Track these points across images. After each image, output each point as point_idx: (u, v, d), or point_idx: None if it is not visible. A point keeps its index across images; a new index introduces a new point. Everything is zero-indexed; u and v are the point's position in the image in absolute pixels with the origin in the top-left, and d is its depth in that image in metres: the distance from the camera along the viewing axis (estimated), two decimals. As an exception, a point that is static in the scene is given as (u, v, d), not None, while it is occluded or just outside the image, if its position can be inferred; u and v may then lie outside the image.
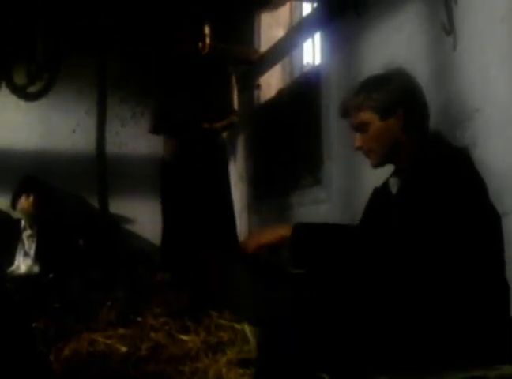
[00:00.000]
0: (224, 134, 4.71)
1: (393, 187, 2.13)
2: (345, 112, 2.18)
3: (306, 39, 5.10)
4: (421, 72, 3.20)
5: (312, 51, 5.38)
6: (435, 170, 1.92)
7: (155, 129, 4.57)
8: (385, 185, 2.21)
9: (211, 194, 4.35)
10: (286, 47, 5.28)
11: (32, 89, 4.84)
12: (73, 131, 6.05)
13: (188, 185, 4.32)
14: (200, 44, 4.42)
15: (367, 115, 2.10)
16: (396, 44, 3.54)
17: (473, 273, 1.82)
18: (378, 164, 2.17)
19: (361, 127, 2.13)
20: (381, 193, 2.22)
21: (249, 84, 5.89)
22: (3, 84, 4.77)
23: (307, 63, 5.55)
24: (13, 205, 5.19)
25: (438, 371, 1.79)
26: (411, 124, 2.07)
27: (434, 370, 1.79)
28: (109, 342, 2.96)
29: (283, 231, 2.02)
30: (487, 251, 1.86)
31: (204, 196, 4.31)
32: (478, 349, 1.81)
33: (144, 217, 5.88)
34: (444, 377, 1.77)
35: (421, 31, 3.32)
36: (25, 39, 4.67)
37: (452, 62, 3.02)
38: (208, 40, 4.46)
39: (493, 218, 1.94)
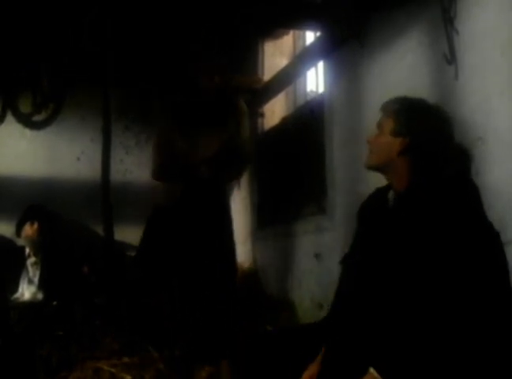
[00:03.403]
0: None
1: (391, 205, 2.19)
2: (383, 108, 2.26)
3: (309, 67, 5.14)
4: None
5: (315, 80, 5.42)
6: (431, 201, 1.97)
7: (159, 175, 4.06)
8: (381, 200, 2.25)
9: (213, 252, 3.82)
10: (289, 76, 5.32)
11: (37, 118, 4.87)
12: (78, 159, 6.08)
13: (187, 235, 3.86)
14: (213, 78, 3.91)
15: (387, 122, 2.18)
16: (398, 73, 3.57)
17: (479, 308, 1.82)
18: (368, 167, 2.27)
19: (379, 127, 2.23)
20: (377, 208, 2.27)
21: (253, 112, 5.93)
22: (8, 113, 4.80)
23: (311, 91, 5.58)
24: (18, 233, 5.21)
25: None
26: (411, 154, 2.11)
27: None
28: (114, 370, 2.95)
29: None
30: (492, 282, 1.86)
31: (205, 252, 3.81)
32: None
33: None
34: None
35: (423, 60, 3.35)
36: (30, 70, 4.71)
37: (454, 92, 3.05)
38: (220, 73, 3.98)
39: (497, 250, 1.94)
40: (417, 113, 2.16)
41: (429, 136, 2.12)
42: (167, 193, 4.02)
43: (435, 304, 1.83)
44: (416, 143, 2.11)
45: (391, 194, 2.21)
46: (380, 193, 2.30)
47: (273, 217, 5.58)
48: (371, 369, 1.85)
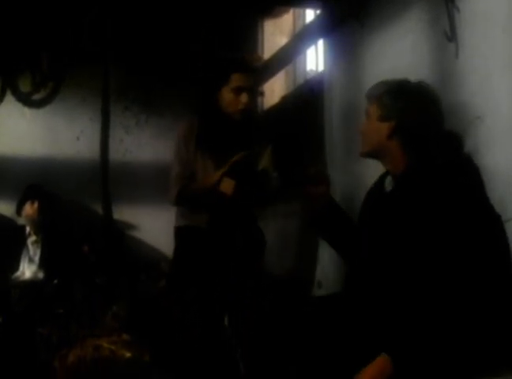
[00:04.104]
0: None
1: (388, 188, 2.23)
2: (367, 95, 2.27)
3: (309, 46, 5.12)
4: (424, 79, 3.22)
5: (315, 58, 5.40)
6: (428, 181, 1.98)
7: (179, 201, 3.66)
8: (380, 185, 2.27)
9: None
10: (289, 54, 5.30)
11: (36, 97, 4.87)
12: (78, 138, 6.06)
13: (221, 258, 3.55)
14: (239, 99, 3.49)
15: (373, 109, 2.20)
16: (399, 51, 3.55)
17: (479, 279, 1.83)
18: (362, 155, 2.31)
19: (366, 115, 2.25)
20: (376, 193, 2.29)
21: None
22: (8, 92, 4.79)
23: (311, 70, 5.56)
24: (18, 212, 5.24)
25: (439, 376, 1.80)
26: (400, 137, 2.13)
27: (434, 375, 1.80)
28: (114, 347, 2.96)
29: (382, 364, 1.87)
30: (492, 256, 1.87)
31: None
32: (482, 355, 1.82)
33: (147, 224, 5.90)
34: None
35: (424, 38, 3.33)
36: (30, 49, 4.70)
37: (454, 70, 3.04)
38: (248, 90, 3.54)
39: (495, 225, 1.95)
40: (400, 95, 2.16)
41: (414, 116, 2.13)
42: (193, 215, 3.65)
43: (438, 288, 1.84)
44: (403, 125, 2.12)
45: (389, 179, 2.23)
46: (380, 179, 2.32)
47: (273, 196, 5.57)
48: (383, 353, 1.85)
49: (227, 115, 3.52)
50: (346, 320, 2.08)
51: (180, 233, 3.78)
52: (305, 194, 2.49)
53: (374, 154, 2.25)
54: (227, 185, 3.43)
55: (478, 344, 1.81)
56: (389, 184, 2.23)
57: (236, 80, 3.50)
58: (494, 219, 1.96)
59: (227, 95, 3.50)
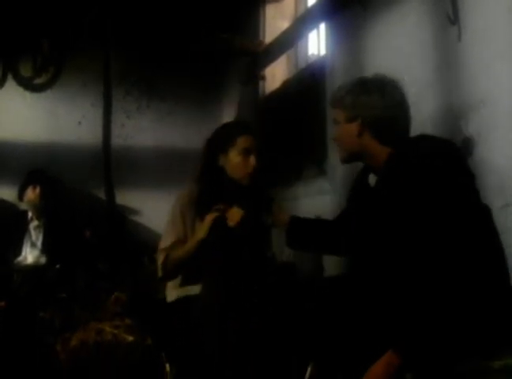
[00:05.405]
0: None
1: (372, 182, 2.26)
2: (330, 102, 2.32)
3: (311, 30, 5.09)
4: (426, 62, 3.22)
5: (317, 42, 5.38)
6: (408, 171, 1.99)
7: (165, 272, 3.10)
8: (361, 181, 2.34)
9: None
10: (291, 38, 5.27)
11: (38, 81, 4.87)
12: (79, 123, 6.07)
13: None
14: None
15: (338, 113, 2.24)
16: (401, 34, 3.54)
17: (469, 264, 1.83)
18: (342, 160, 2.33)
19: (334, 121, 2.28)
20: (360, 189, 2.36)
21: (254, 76, 5.89)
22: (9, 77, 4.79)
23: (312, 54, 5.54)
24: (20, 197, 5.25)
25: (442, 362, 1.81)
26: (370, 131, 2.15)
27: (438, 361, 1.81)
28: (116, 332, 2.98)
29: (390, 360, 1.88)
30: (479, 242, 1.87)
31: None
32: (482, 339, 1.82)
33: (149, 208, 5.91)
34: (447, 368, 1.80)
35: (426, 21, 3.32)
36: (31, 33, 4.70)
37: (457, 53, 3.02)
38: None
39: (481, 214, 1.94)
40: (360, 92, 2.18)
41: (377, 107, 2.14)
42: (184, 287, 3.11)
43: (434, 277, 1.85)
44: (369, 119, 2.15)
45: (372, 176, 2.24)
46: (359, 175, 2.35)
47: (274, 180, 5.57)
48: (390, 350, 1.87)
49: (234, 181, 3.21)
50: (348, 313, 2.09)
51: (170, 308, 3.15)
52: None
53: (353, 156, 2.27)
54: (234, 214, 3.06)
55: (478, 329, 1.82)
56: (372, 179, 2.25)
57: (243, 142, 3.23)
58: (480, 208, 1.95)
59: (234, 158, 3.20)
